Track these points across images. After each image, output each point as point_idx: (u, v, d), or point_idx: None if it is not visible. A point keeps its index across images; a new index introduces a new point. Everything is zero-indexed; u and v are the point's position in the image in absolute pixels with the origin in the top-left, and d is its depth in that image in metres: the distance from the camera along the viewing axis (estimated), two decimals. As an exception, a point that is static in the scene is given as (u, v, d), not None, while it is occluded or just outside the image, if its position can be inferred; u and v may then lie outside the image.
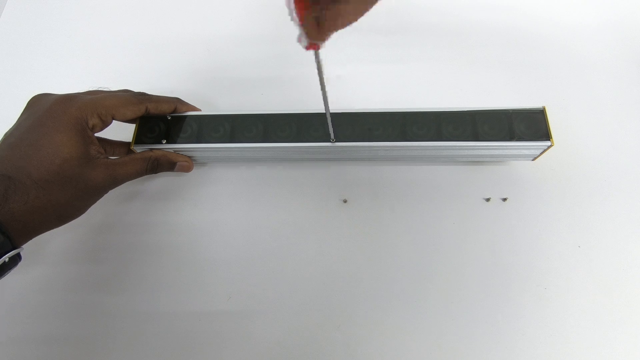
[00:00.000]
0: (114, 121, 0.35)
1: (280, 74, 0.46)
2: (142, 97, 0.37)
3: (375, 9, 0.20)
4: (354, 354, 0.33)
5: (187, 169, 0.39)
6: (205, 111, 0.39)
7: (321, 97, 0.29)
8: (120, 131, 0.38)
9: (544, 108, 0.34)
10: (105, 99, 0.34)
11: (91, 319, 0.36)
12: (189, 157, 0.39)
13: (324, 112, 0.31)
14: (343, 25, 0.20)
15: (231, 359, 0.34)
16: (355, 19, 0.20)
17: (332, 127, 0.33)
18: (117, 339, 0.35)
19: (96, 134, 0.35)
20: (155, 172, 0.38)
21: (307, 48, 0.21)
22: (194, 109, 0.39)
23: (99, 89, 0.37)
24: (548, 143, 0.33)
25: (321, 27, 0.19)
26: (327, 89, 0.27)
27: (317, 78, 0.25)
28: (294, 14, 0.19)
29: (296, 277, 0.36)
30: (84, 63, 0.49)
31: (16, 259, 0.30)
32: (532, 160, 0.37)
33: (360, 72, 0.45)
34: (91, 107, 0.33)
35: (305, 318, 0.35)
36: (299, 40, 0.21)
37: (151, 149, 0.37)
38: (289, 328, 0.34)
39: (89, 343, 0.35)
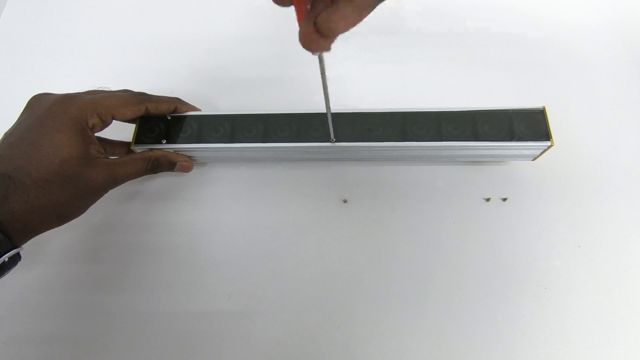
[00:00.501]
0: (114, 121, 0.35)
1: (280, 74, 0.46)
2: (142, 97, 0.37)
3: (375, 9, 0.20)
4: (354, 354, 0.33)
5: (187, 169, 0.39)
6: (205, 111, 0.39)
7: (321, 97, 0.29)
8: (120, 131, 0.38)
9: (544, 108, 0.34)
10: (105, 99, 0.34)
11: (91, 319, 0.36)
12: (189, 157, 0.39)
13: (324, 112, 0.31)
14: (343, 30, 0.19)
15: (231, 359, 0.34)
16: (354, 24, 0.20)
17: (333, 127, 0.33)
18: (117, 339, 0.35)
19: (96, 134, 0.35)
20: (155, 172, 0.38)
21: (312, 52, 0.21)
22: (194, 109, 0.39)
23: (99, 89, 0.37)
24: (548, 143, 0.33)
25: (320, 31, 0.19)
26: (328, 89, 0.27)
27: (318, 78, 0.25)
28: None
29: (296, 277, 0.36)
30: (84, 63, 0.49)
31: (16, 259, 0.30)
32: (532, 160, 0.37)
33: (361, 72, 0.45)
34: (91, 107, 0.33)
35: (305, 318, 0.35)
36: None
37: (151, 149, 0.37)
38: (289, 328, 0.34)
39: (89, 343, 0.35)
